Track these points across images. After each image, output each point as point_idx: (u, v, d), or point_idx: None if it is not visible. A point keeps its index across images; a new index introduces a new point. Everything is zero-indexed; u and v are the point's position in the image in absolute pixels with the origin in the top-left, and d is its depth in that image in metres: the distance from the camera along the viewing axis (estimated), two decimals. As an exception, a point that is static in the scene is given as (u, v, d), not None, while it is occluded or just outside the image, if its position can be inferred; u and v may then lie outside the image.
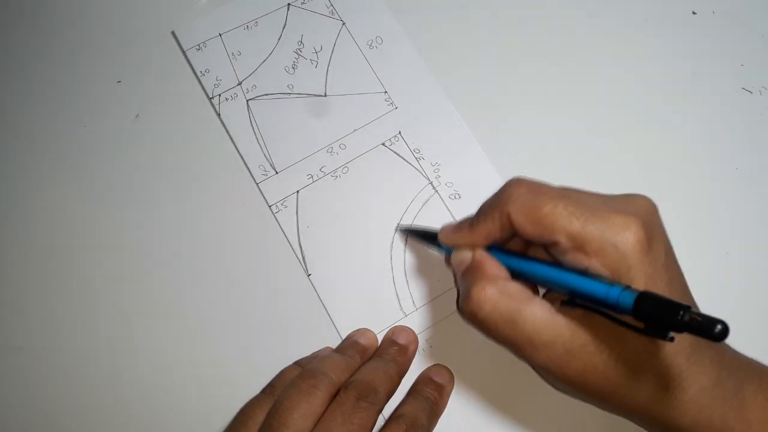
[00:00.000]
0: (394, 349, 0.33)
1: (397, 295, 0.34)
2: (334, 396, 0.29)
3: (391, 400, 0.31)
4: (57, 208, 0.36)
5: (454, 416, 0.32)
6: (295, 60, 0.38)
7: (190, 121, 0.37)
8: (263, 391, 0.31)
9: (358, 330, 0.34)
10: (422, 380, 0.33)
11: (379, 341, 0.34)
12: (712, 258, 0.35)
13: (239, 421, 0.30)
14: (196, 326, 0.34)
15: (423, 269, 0.35)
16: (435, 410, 0.32)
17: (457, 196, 0.36)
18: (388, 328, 0.34)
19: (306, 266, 0.35)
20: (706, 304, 0.34)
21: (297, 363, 0.33)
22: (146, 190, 0.36)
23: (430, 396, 0.32)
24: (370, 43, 0.39)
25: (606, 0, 0.40)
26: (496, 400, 0.33)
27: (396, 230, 0.35)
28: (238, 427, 0.29)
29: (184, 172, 0.37)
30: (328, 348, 0.34)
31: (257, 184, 0.36)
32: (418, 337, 0.34)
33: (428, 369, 0.33)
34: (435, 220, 0.35)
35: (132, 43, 0.39)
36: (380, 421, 0.31)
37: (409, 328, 0.34)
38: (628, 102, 0.38)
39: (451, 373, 0.33)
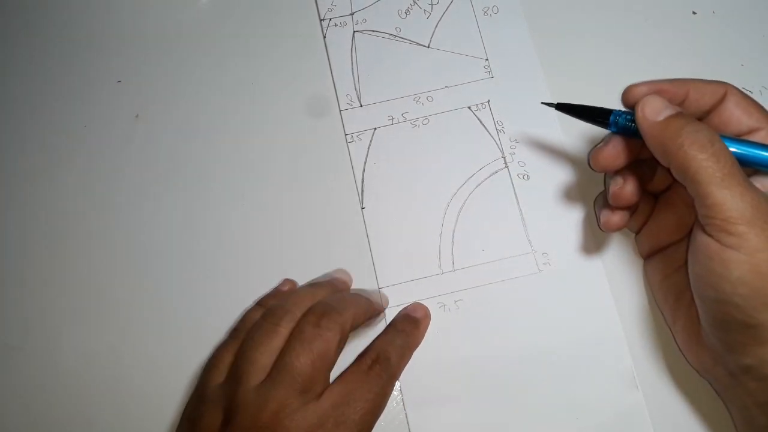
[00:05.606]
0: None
1: (439, 251, 0.35)
2: None
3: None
4: (57, 208, 0.36)
5: (473, 386, 0.33)
6: (410, 6, 0.39)
7: (296, 39, 0.39)
8: (230, 335, 0.32)
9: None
10: (398, 317, 0.33)
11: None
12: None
13: (211, 365, 0.31)
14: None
15: (471, 237, 0.35)
16: (407, 343, 0.32)
17: (526, 176, 0.36)
18: (422, 279, 0.34)
19: (362, 199, 0.36)
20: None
21: (258, 303, 0.33)
22: (147, 189, 0.36)
23: (403, 329, 0.32)
24: (486, 10, 0.39)
25: (606, 0, 0.39)
26: (515, 372, 0.33)
27: (553, 106, 0.32)
28: (210, 370, 0.30)
29: (186, 172, 0.37)
30: (288, 281, 0.34)
31: (340, 111, 0.37)
32: (448, 296, 0.34)
33: (405, 307, 0.34)
34: (498, 194, 0.36)
35: (132, 43, 0.39)
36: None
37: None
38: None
39: (427, 309, 0.33)
